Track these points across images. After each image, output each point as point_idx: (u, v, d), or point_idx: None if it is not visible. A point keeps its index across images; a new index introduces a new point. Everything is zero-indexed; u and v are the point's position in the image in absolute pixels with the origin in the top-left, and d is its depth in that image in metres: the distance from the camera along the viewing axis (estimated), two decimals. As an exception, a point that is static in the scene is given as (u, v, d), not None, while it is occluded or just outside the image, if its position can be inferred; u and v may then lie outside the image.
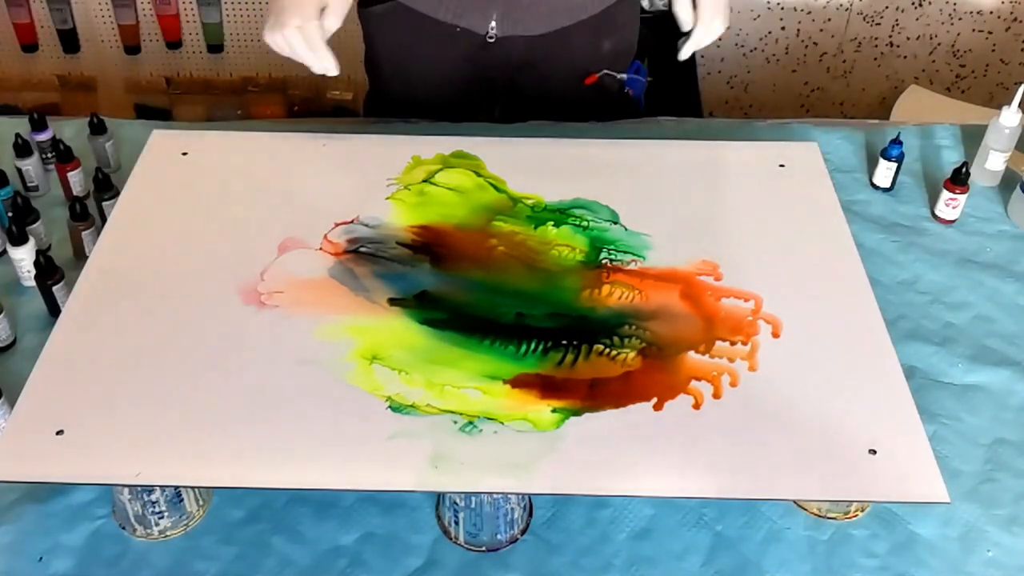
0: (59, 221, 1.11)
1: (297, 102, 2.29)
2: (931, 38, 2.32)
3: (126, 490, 0.81)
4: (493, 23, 1.23)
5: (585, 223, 1.03)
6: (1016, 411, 0.97)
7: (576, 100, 1.33)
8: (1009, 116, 1.19)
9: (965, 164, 1.17)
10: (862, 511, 0.88)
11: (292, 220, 1.02)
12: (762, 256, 1.00)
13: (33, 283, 1.03)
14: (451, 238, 1.01)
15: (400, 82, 1.36)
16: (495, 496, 0.81)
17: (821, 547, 0.85)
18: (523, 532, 0.86)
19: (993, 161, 1.23)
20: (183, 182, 1.07)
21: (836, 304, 0.95)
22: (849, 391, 0.86)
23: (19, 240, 1.02)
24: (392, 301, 0.93)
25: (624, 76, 1.36)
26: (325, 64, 1.03)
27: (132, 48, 2.25)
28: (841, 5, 2.26)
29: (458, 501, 0.82)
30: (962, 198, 1.17)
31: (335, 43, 1.02)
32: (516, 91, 1.35)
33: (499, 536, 0.84)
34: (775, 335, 0.91)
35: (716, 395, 0.85)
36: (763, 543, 0.85)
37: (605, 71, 1.32)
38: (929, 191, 1.24)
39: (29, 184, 1.17)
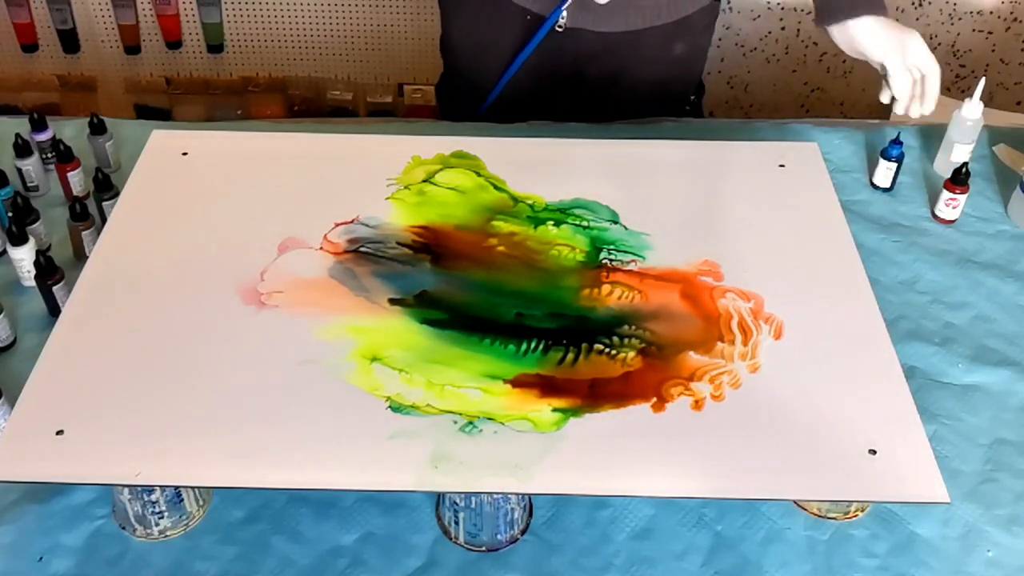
0: (59, 221, 1.11)
1: (297, 102, 2.28)
2: (931, 38, 2.32)
3: (126, 490, 0.81)
4: (564, 14, 1.24)
5: (585, 223, 1.03)
6: (1016, 411, 0.97)
7: (643, 100, 1.35)
8: (971, 108, 1.21)
9: (965, 164, 1.17)
10: (862, 511, 0.88)
11: (292, 220, 1.02)
12: (762, 256, 1.00)
13: (33, 283, 1.03)
14: (451, 238, 1.01)
15: (474, 64, 1.37)
16: (495, 496, 0.81)
17: (821, 547, 0.85)
18: (523, 532, 0.86)
19: (958, 154, 1.24)
20: (183, 182, 1.07)
21: (836, 304, 0.94)
22: (849, 391, 0.86)
23: (19, 240, 1.02)
24: (392, 301, 0.93)
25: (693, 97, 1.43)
26: None
27: (132, 48, 2.25)
28: (841, 5, 2.26)
29: (458, 501, 0.82)
30: (962, 198, 1.17)
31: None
32: (584, 84, 1.37)
33: (499, 536, 0.84)
34: (776, 335, 0.91)
35: (716, 395, 0.85)
36: (763, 543, 0.85)
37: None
38: (929, 191, 1.24)
39: (29, 184, 1.17)
